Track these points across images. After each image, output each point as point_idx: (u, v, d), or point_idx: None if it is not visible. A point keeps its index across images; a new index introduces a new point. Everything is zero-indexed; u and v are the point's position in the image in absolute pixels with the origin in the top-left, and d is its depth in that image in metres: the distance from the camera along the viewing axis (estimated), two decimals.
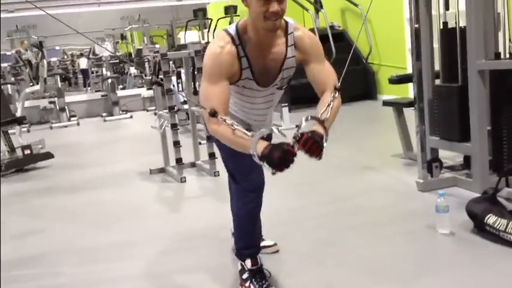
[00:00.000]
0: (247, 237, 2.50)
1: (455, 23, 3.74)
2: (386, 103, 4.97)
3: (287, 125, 6.69)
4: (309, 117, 2.00)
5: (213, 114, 1.98)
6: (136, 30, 15.77)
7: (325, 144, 1.95)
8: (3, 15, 10.50)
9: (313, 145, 1.89)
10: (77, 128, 9.69)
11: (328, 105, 2.06)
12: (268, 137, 2.52)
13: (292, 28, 2.22)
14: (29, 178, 5.55)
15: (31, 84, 11.04)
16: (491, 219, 2.79)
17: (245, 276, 2.46)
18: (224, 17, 11.03)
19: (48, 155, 6.08)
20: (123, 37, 16.54)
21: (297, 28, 2.24)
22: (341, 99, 2.16)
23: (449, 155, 4.14)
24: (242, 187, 2.37)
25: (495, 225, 2.75)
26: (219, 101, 2.05)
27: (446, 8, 3.86)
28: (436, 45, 3.90)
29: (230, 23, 10.89)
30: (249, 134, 1.94)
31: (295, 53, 2.23)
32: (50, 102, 10.44)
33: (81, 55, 16.30)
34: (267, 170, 1.91)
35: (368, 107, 7.88)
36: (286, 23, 2.21)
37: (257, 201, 2.38)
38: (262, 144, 1.89)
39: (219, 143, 2.40)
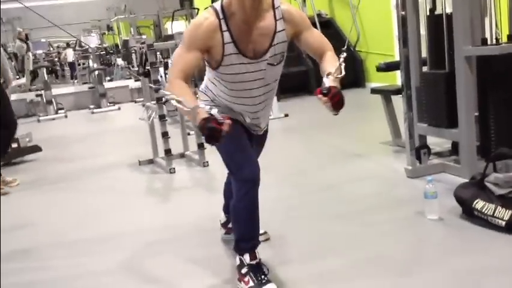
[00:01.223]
0: (246, 230, 2.44)
1: (442, 9, 3.75)
2: (374, 91, 4.98)
3: (276, 114, 6.69)
4: (328, 74, 2.07)
5: (170, 83, 2.14)
6: (123, 21, 15.67)
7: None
8: None
9: (340, 99, 2.00)
10: (64, 120, 9.63)
11: (340, 64, 2.09)
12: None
13: (279, 2, 2.23)
14: (17, 171, 5.50)
15: (17, 77, 10.94)
16: (479, 204, 2.80)
17: (244, 270, 2.40)
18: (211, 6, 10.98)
19: (36, 148, 6.04)
20: (109, 28, 16.43)
21: (282, 2, 2.26)
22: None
23: (437, 142, 4.16)
24: (238, 178, 2.36)
25: (483, 210, 2.77)
26: (182, 68, 2.15)
27: None
28: (423, 32, 3.90)
29: None
30: (192, 104, 1.98)
31: (286, 26, 2.24)
32: (37, 95, 10.36)
33: (68, 46, 16.15)
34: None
35: (356, 94, 7.89)
36: None
37: (253, 192, 2.36)
38: (201, 115, 1.94)
39: None
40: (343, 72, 2.07)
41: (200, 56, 2.19)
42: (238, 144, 2.36)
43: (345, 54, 2.11)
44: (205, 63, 2.34)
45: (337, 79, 2.06)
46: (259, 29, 2.20)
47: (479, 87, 3.60)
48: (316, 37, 2.32)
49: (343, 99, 2.01)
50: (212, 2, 8.17)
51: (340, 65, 2.08)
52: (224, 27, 2.16)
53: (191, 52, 2.16)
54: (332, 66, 2.11)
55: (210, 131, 1.89)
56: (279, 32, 2.23)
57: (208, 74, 2.40)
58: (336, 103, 1.99)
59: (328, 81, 2.04)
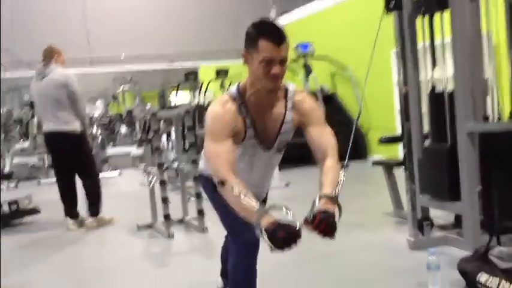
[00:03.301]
0: None
1: (443, 87, 3.81)
2: (376, 163, 4.99)
3: (276, 183, 6.68)
4: (321, 196, 1.93)
5: (222, 183, 1.96)
6: (128, 91, 15.94)
7: (338, 223, 1.88)
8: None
9: (327, 227, 1.83)
10: None
11: (337, 181, 2.01)
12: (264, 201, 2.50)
13: (293, 92, 2.23)
14: (14, 232, 5.44)
15: (21, 140, 11.01)
16: (483, 277, 2.75)
17: None
18: (215, 80, 11.22)
19: (35, 210, 5.99)
20: (114, 97, 16.69)
21: (297, 92, 2.25)
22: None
23: (440, 214, 4.12)
24: (238, 242, 2.33)
25: (487, 284, 2.71)
26: (226, 161, 2.02)
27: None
28: (425, 109, 3.95)
29: (221, 86, 11.08)
30: (256, 204, 1.88)
31: (294, 116, 2.23)
32: (39, 159, 10.38)
33: None
34: (265, 244, 1.82)
35: (359, 166, 7.91)
36: (286, 88, 2.23)
37: (252, 257, 2.33)
38: (269, 219, 1.81)
39: (213, 198, 2.37)
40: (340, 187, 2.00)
41: (232, 142, 2.10)
42: None
43: (344, 173, 2.06)
44: None
45: (333, 199, 1.94)
46: (272, 114, 2.21)
47: (481, 162, 3.61)
48: (322, 136, 2.19)
49: (333, 223, 1.84)
50: (217, 75, 8.32)
51: (339, 181, 2.01)
52: (244, 113, 2.16)
53: (224, 142, 2.06)
54: (329, 183, 2.00)
55: (289, 235, 1.76)
56: (286, 123, 2.23)
57: None
58: (324, 230, 1.83)
59: (320, 204, 1.91)
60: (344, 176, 2.02)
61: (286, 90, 2.23)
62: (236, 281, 2.39)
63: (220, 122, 2.09)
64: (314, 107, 2.26)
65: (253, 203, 1.88)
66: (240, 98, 2.16)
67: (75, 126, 5.19)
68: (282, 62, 2.04)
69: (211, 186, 2.35)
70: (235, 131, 2.12)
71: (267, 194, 2.62)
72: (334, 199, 1.94)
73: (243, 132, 2.17)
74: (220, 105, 2.13)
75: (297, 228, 1.79)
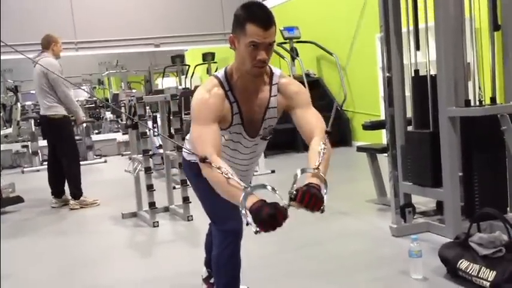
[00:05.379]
0: (227, 282, 2.40)
1: (426, 71, 3.83)
2: (360, 149, 5.01)
3: (262, 170, 6.69)
4: (302, 171, 1.85)
5: (203, 160, 1.89)
6: (114, 76, 15.81)
7: (325, 196, 1.81)
8: None
9: (311, 199, 1.75)
10: None
11: (319, 153, 1.93)
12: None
13: (278, 77, 2.22)
14: None
15: (4, 127, 10.90)
16: (463, 264, 2.79)
17: None
18: (201, 64, 11.16)
19: (18, 199, 5.95)
20: (100, 82, 16.56)
21: (282, 76, 2.24)
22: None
23: (423, 200, 4.15)
24: (221, 229, 2.33)
25: (468, 270, 2.75)
26: (211, 144, 1.98)
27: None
28: (408, 93, 3.97)
29: (207, 70, 11.03)
30: (243, 185, 1.80)
31: (280, 100, 2.22)
32: (23, 146, 10.29)
33: None
34: (249, 227, 1.72)
35: (343, 152, 7.93)
36: (272, 73, 2.22)
37: (236, 244, 2.33)
38: (253, 199, 1.74)
39: (196, 184, 2.38)
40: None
41: (218, 127, 2.08)
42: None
43: (327, 140, 1.99)
44: None
45: (318, 171, 1.86)
46: (257, 99, 2.20)
47: (463, 147, 3.64)
48: (308, 117, 2.17)
49: (317, 194, 1.76)
50: (203, 60, 8.27)
51: (319, 153, 1.93)
52: (232, 98, 2.15)
53: (209, 126, 2.04)
54: (314, 159, 1.92)
55: (275, 212, 1.68)
56: (270, 108, 2.23)
57: None
58: (309, 203, 1.76)
59: (301, 179, 1.83)
60: (325, 146, 1.95)
61: (271, 75, 2.22)
62: (220, 269, 2.40)
63: (207, 107, 2.07)
64: (300, 89, 2.24)
65: (238, 183, 1.82)
66: (228, 83, 2.15)
67: (56, 111, 5.56)
68: (269, 46, 2.03)
69: (194, 172, 2.35)
70: (221, 116, 2.10)
71: (250, 182, 2.62)
72: (317, 173, 1.86)
73: (230, 118, 2.16)
74: (207, 90, 2.11)
75: (285, 208, 1.73)
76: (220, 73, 2.19)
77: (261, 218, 1.67)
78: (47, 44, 5.63)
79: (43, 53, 5.62)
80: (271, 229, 1.69)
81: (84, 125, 10.65)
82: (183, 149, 2.46)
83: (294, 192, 1.75)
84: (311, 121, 2.16)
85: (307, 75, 9.16)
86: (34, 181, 8.43)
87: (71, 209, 5.66)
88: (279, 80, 2.22)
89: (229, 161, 2.31)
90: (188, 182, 2.53)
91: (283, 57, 8.80)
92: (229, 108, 2.15)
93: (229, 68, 2.18)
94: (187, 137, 2.51)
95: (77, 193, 5.72)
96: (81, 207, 5.69)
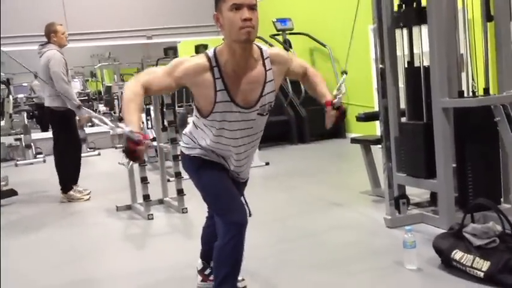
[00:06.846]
0: (228, 273, 2.39)
1: (420, 62, 3.84)
2: (354, 140, 5.02)
3: (256, 162, 6.69)
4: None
5: (130, 84, 2.16)
6: (106, 68, 15.73)
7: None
8: None
9: (344, 112, 2.46)
10: (43, 165, 9.49)
11: (340, 85, 2.47)
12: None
13: (267, 50, 2.29)
14: None
15: None
16: (457, 254, 2.80)
17: None
18: (194, 56, 11.11)
19: (12, 192, 5.94)
20: (92, 75, 16.47)
21: (272, 48, 2.35)
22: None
23: (417, 192, 4.17)
24: (226, 221, 2.33)
25: (462, 261, 2.77)
26: (150, 82, 2.16)
27: (411, 48, 3.95)
28: (402, 85, 3.97)
29: None
30: (135, 119, 2.02)
31: (275, 70, 2.29)
32: (16, 139, 10.24)
33: None
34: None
35: (337, 144, 7.95)
36: (260, 48, 2.27)
37: (240, 235, 2.33)
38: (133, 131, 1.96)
39: (198, 178, 2.40)
40: (343, 91, 2.46)
41: (172, 87, 2.22)
42: (225, 187, 2.36)
43: (345, 76, 2.57)
44: (195, 110, 2.34)
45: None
46: (250, 78, 2.23)
47: (456, 138, 3.66)
48: (297, 66, 2.47)
49: (345, 111, 2.44)
50: (196, 52, 8.21)
51: (340, 85, 2.47)
52: (217, 75, 2.18)
53: (168, 77, 2.18)
54: (325, 88, 2.48)
55: (128, 145, 1.93)
56: (268, 82, 2.27)
57: (196, 120, 2.39)
58: (341, 115, 2.42)
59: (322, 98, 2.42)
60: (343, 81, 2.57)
61: (261, 51, 2.27)
62: (222, 260, 2.38)
63: (182, 65, 2.19)
64: (291, 56, 2.48)
65: (135, 116, 2.03)
66: (216, 59, 2.19)
67: (57, 103, 5.49)
68: (251, 8, 2.10)
69: (194, 166, 2.37)
70: (185, 82, 2.19)
71: (247, 180, 2.62)
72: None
73: (212, 94, 2.19)
74: (191, 57, 2.24)
75: (136, 141, 1.93)
76: (210, 50, 2.24)
77: (124, 151, 1.97)
78: (47, 34, 5.57)
79: (48, 44, 5.55)
80: (131, 159, 2.00)
81: (77, 117, 10.62)
82: (182, 144, 2.48)
83: (337, 104, 2.43)
84: (303, 66, 2.52)
85: None
86: (28, 174, 8.41)
87: (61, 202, 5.66)
88: (269, 52, 2.30)
89: (232, 142, 2.33)
90: (188, 176, 2.52)
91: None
92: (211, 83, 2.18)
93: (219, 47, 2.22)
94: (185, 131, 2.51)
95: (64, 187, 5.69)
96: (69, 201, 5.66)
